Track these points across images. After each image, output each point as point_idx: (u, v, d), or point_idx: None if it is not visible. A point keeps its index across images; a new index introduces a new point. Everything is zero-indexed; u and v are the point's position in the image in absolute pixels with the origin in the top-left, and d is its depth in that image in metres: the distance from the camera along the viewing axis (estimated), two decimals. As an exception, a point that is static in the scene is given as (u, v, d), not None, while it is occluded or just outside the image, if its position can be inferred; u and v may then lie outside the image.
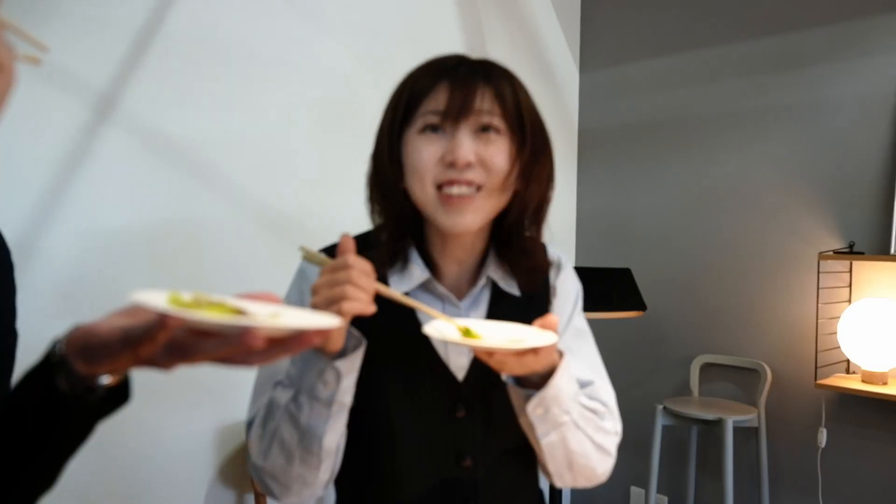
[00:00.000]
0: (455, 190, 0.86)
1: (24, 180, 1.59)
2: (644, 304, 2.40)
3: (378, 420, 0.93)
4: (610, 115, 3.03)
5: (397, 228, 0.93)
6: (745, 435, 2.55)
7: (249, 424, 0.91)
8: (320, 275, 0.77)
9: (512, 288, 0.98)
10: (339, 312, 0.74)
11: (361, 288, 0.75)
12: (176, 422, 1.86)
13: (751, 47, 2.59)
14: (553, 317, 0.82)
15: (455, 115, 0.86)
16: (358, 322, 0.82)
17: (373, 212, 0.96)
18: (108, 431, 1.74)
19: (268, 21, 2.00)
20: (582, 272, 2.34)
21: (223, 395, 1.95)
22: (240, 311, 0.51)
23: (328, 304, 0.75)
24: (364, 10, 2.25)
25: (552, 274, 1.02)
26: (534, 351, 0.79)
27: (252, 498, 1.97)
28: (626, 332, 2.88)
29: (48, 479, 0.60)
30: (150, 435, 1.81)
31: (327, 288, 0.75)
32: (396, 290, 0.92)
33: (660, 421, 2.50)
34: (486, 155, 0.87)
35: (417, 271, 0.94)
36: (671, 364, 2.82)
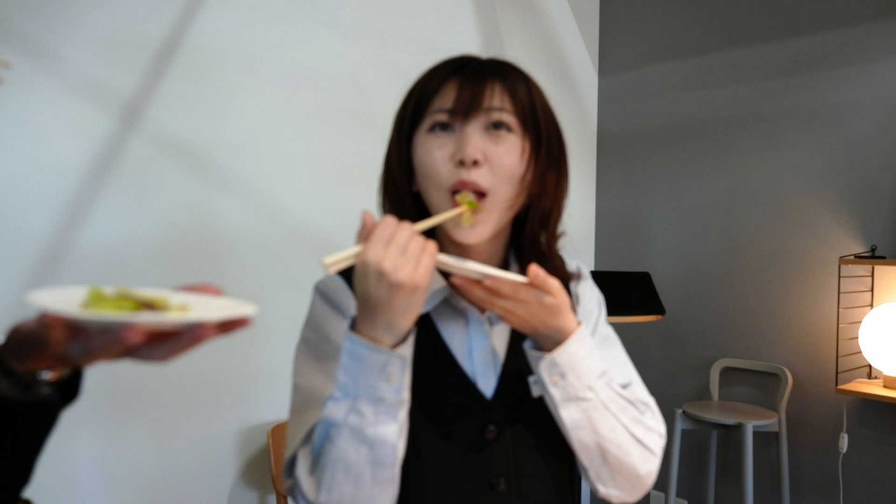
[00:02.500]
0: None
1: (52, 188, 1.63)
2: (663, 308, 2.40)
3: (407, 444, 0.84)
4: (629, 119, 3.02)
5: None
6: (766, 440, 2.53)
7: (291, 465, 0.82)
8: (368, 250, 0.71)
9: None
10: (431, 262, 0.72)
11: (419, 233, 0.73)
12: (199, 424, 1.90)
13: (771, 49, 2.58)
14: (538, 268, 0.79)
15: (464, 110, 0.82)
16: None
17: (384, 203, 0.93)
18: (135, 433, 1.79)
19: (286, 30, 2.04)
20: (600, 276, 2.37)
21: (246, 398, 1.99)
22: (148, 305, 0.49)
23: (413, 262, 0.71)
24: (381, 16, 2.27)
25: (573, 283, 0.98)
26: (496, 290, 0.77)
27: (274, 499, 2.00)
28: (645, 335, 2.88)
29: (21, 475, 0.60)
30: (174, 436, 1.85)
31: (398, 253, 0.71)
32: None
33: (679, 425, 2.49)
34: (494, 154, 0.83)
35: (438, 287, 0.89)
36: (691, 368, 2.81)
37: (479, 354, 0.90)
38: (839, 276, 2.32)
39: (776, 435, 2.47)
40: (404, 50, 2.31)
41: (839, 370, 2.30)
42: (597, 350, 0.87)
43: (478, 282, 0.79)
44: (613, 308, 2.33)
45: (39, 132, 1.60)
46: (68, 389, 0.59)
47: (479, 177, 0.82)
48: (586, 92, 3.09)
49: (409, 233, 0.72)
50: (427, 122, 0.85)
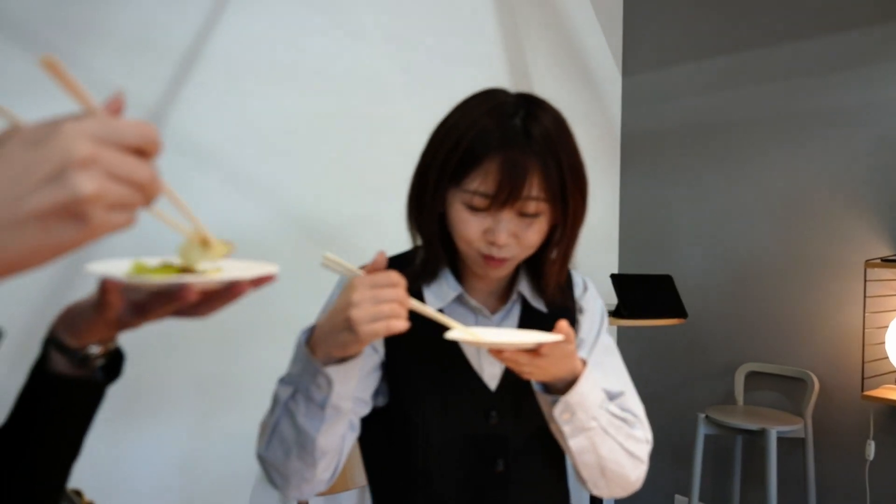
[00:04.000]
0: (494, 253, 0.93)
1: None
2: (685, 312, 2.38)
3: (412, 425, 0.98)
4: (653, 120, 3.00)
5: (433, 251, 0.99)
6: (791, 446, 2.49)
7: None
8: (357, 287, 0.78)
9: (539, 304, 1.05)
10: (388, 330, 0.77)
11: (405, 306, 0.78)
12: (223, 423, 1.94)
13: (798, 48, 2.54)
14: (565, 323, 0.85)
15: (502, 202, 0.89)
16: (393, 339, 0.88)
17: (411, 228, 1.01)
18: (161, 431, 1.83)
19: (306, 36, 2.06)
20: (622, 279, 2.36)
21: (267, 398, 2.02)
22: (185, 270, 0.56)
23: (373, 320, 0.76)
24: (400, 21, 2.29)
25: (577, 293, 1.09)
26: (538, 351, 0.83)
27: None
28: (667, 339, 2.85)
29: (73, 449, 0.64)
30: (198, 434, 1.89)
31: (372, 304, 0.77)
32: (431, 304, 0.99)
33: (702, 430, 2.47)
34: (523, 235, 0.92)
35: (450, 286, 1.01)
36: (714, 372, 2.77)
37: (485, 351, 0.99)
38: (865, 280, 2.27)
39: (802, 441, 2.43)
40: (423, 54, 2.33)
41: (865, 376, 2.26)
42: (596, 370, 0.98)
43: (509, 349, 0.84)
44: (635, 311, 2.33)
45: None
46: (113, 368, 0.64)
47: (507, 252, 0.93)
48: (609, 92, 3.07)
49: (394, 294, 0.78)
50: (465, 196, 0.91)
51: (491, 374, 1.00)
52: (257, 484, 2.02)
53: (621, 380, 1.05)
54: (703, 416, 2.47)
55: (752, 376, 2.66)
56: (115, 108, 0.42)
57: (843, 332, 2.41)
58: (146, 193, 0.41)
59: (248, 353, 1.98)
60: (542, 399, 0.93)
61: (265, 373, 2.08)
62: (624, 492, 0.99)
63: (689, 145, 2.86)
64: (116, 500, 1.76)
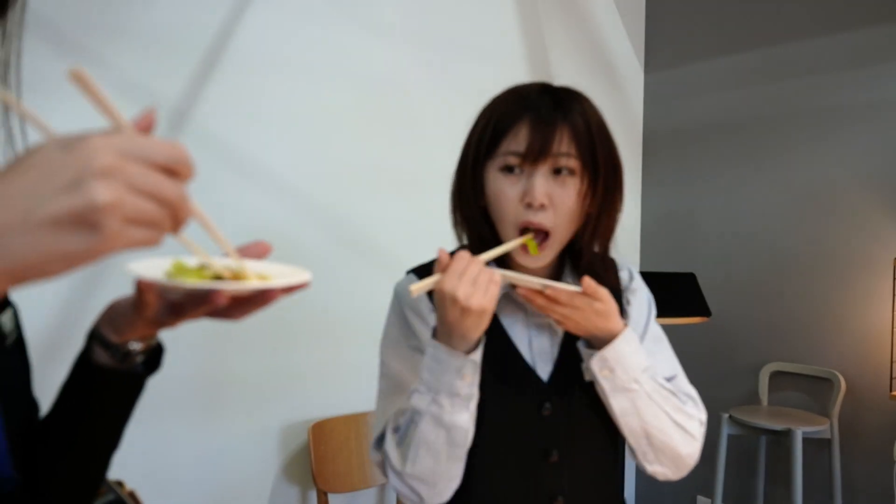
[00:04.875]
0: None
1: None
2: (708, 310, 2.35)
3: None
4: (676, 116, 2.96)
5: (477, 245, 1.01)
6: (817, 447, 2.45)
7: (379, 440, 0.99)
8: (449, 279, 0.85)
9: None
10: (493, 300, 0.86)
11: (493, 279, 0.87)
12: (244, 420, 1.95)
13: (824, 42, 2.49)
14: (590, 279, 0.92)
15: (534, 158, 0.93)
16: None
17: (456, 224, 1.05)
18: (181, 429, 1.84)
19: (328, 34, 2.07)
20: (644, 277, 2.32)
21: (289, 397, 2.03)
22: (220, 276, 0.55)
23: (483, 294, 0.85)
24: (422, 18, 2.29)
25: (624, 283, 1.10)
26: (558, 299, 0.90)
27: (314, 495, 2.03)
28: (690, 338, 2.81)
29: (114, 439, 0.67)
30: (219, 432, 1.90)
31: (471, 284, 0.85)
32: None
33: (725, 430, 2.44)
34: (558, 197, 0.95)
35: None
36: (739, 372, 2.74)
37: (537, 342, 1.03)
38: (894, 277, 2.23)
39: (828, 442, 2.39)
40: (445, 51, 2.32)
41: (894, 375, 2.21)
42: (643, 348, 0.99)
43: (539, 292, 0.92)
44: (658, 309, 2.29)
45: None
46: (153, 361, 0.67)
47: (544, 218, 0.95)
48: (631, 89, 3.04)
49: (478, 267, 0.87)
50: (499, 161, 0.96)
51: (544, 366, 1.02)
52: (276, 482, 2.02)
53: (673, 366, 1.07)
54: (726, 416, 2.44)
55: (776, 376, 2.62)
56: (146, 124, 0.42)
57: (871, 330, 2.36)
58: (173, 213, 0.40)
59: (284, 353, 2.00)
60: (583, 353, 0.97)
61: (286, 374, 2.10)
62: (675, 467, 0.99)
63: (712, 142, 2.83)
64: (158, 493, 1.78)
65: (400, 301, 1.06)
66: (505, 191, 0.95)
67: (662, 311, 2.24)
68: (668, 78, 3.00)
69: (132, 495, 0.78)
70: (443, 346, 0.90)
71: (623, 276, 1.10)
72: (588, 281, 0.91)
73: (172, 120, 1.79)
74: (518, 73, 2.52)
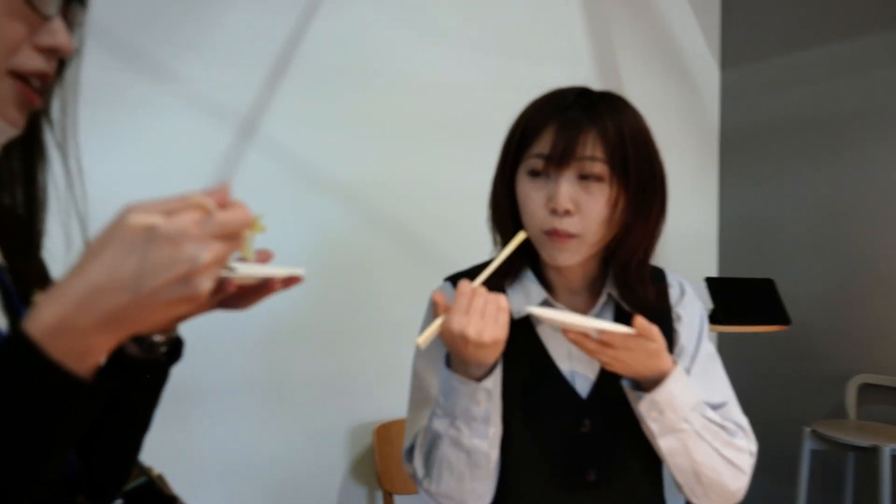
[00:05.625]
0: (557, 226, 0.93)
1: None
2: (787, 318, 2.23)
3: (504, 437, 0.97)
4: (755, 114, 2.83)
5: (513, 255, 0.98)
6: (911, 465, 2.29)
7: (409, 452, 0.99)
8: (456, 314, 0.83)
9: (631, 307, 1.02)
10: (503, 331, 0.84)
11: (502, 308, 0.85)
12: (312, 422, 2.00)
13: (918, 33, 2.33)
14: (643, 319, 0.85)
15: (557, 161, 0.90)
16: None
17: (494, 233, 1.03)
18: (255, 425, 1.91)
19: (393, 42, 2.09)
20: (718, 283, 2.24)
21: (354, 398, 2.07)
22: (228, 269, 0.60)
23: (490, 329, 0.83)
24: (483, 21, 2.28)
25: (673, 299, 1.04)
26: (609, 342, 0.83)
27: (380, 496, 2.06)
28: (768, 347, 2.69)
29: (144, 423, 0.72)
30: (289, 433, 1.96)
31: (480, 317, 0.83)
32: (517, 307, 0.99)
33: (808, 445, 2.31)
34: (585, 203, 0.91)
35: (535, 291, 1.01)
36: (822, 383, 2.58)
37: (577, 354, 0.99)
38: None
39: (923, 461, 2.22)
40: (509, 57, 2.30)
41: None
42: (693, 371, 0.97)
43: (586, 335, 0.87)
44: (733, 317, 2.20)
45: (165, 148, 1.75)
46: (175, 353, 0.71)
47: (569, 225, 0.91)
48: (706, 87, 2.93)
49: (482, 298, 0.84)
50: (526, 165, 0.95)
51: (583, 383, 0.99)
52: (344, 481, 2.07)
53: (724, 390, 1.02)
54: (808, 430, 2.31)
55: (866, 388, 2.46)
56: (222, 200, 0.49)
57: (973, 342, 2.19)
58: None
59: (349, 356, 2.04)
60: (630, 395, 0.92)
61: (352, 376, 2.14)
62: (723, 501, 0.96)
63: (794, 140, 2.69)
64: (229, 489, 1.85)
65: (435, 311, 1.05)
66: (531, 195, 0.94)
67: (738, 319, 2.16)
68: (746, 73, 2.87)
69: (161, 478, 0.82)
70: (455, 376, 0.88)
71: (672, 290, 1.05)
72: (641, 321, 0.86)
73: (241, 130, 1.85)
74: (583, 74, 2.48)
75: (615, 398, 0.96)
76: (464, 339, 0.83)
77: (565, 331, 0.85)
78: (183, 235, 0.45)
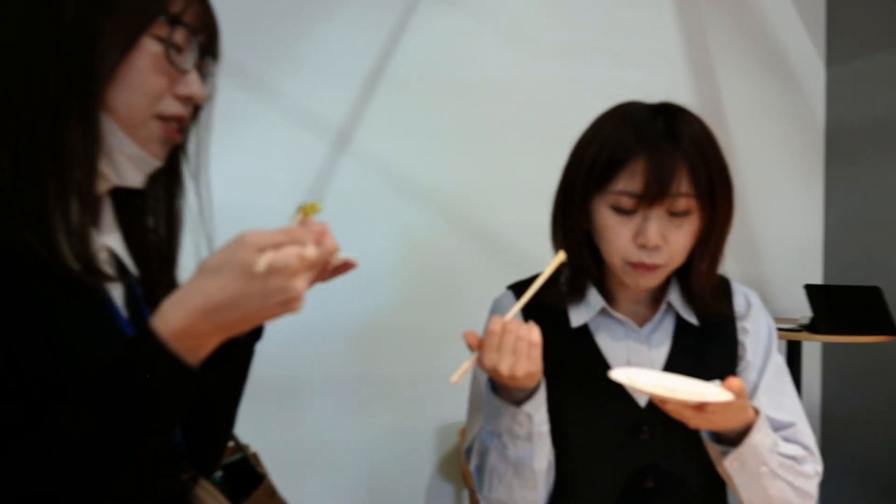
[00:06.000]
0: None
1: (277, 209, 1.90)
2: (895, 328, 2.10)
3: (560, 444, 0.99)
4: (863, 112, 2.68)
5: (580, 266, 1.00)
6: None
7: (468, 453, 1.04)
8: (489, 352, 0.85)
9: (692, 317, 1.01)
10: (529, 374, 0.86)
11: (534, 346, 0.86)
12: (401, 419, 2.08)
13: None
14: (738, 380, 0.84)
15: (650, 201, 0.90)
16: (543, 353, 0.91)
17: (555, 239, 1.04)
18: (342, 426, 2.01)
19: (479, 51, 2.14)
20: (820, 290, 2.15)
21: (442, 398, 2.13)
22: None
23: (515, 366, 0.85)
24: (572, 27, 2.28)
25: (739, 312, 1.04)
26: (704, 407, 0.82)
27: (467, 494, 2.11)
28: (878, 358, 2.53)
29: (238, 395, 0.80)
30: (379, 429, 2.05)
31: (511, 354, 0.85)
32: (576, 320, 1.00)
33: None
34: (671, 236, 0.92)
35: (594, 300, 1.01)
36: (939, 398, 2.41)
37: (636, 363, 1.00)
38: None
39: None
40: (599, 62, 2.29)
41: None
42: (761, 396, 0.97)
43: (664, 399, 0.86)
44: (833, 326, 2.10)
45: (266, 159, 1.88)
46: (256, 333, 0.80)
47: (657, 258, 0.92)
48: (810, 84, 2.79)
49: (513, 335, 0.85)
50: (611, 199, 0.93)
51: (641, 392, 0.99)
52: (432, 479, 2.13)
53: (793, 408, 1.02)
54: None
55: None
56: (320, 238, 0.61)
57: None
58: None
59: (437, 357, 2.11)
60: (711, 448, 0.92)
61: (441, 376, 2.19)
62: None
63: (907, 139, 2.52)
64: (320, 483, 1.97)
65: (491, 315, 1.08)
66: (616, 228, 0.93)
67: (839, 329, 2.06)
68: (853, 70, 2.71)
69: (255, 456, 0.91)
70: (497, 399, 0.92)
71: (738, 303, 1.04)
72: (736, 383, 0.84)
73: (337, 141, 1.96)
74: (677, 77, 2.43)
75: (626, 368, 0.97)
76: (496, 374, 0.86)
77: (662, 402, 0.84)
78: (289, 270, 0.55)
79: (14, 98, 0.63)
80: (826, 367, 2.66)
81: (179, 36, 0.68)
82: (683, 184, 0.90)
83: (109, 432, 0.57)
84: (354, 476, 2.02)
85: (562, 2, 2.27)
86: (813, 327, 2.10)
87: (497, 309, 1.09)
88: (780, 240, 2.64)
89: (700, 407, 0.82)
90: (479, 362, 0.86)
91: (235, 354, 0.75)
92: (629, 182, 0.90)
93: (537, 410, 0.91)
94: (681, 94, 2.43)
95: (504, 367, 0.84)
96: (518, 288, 1.07)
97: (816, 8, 2.81)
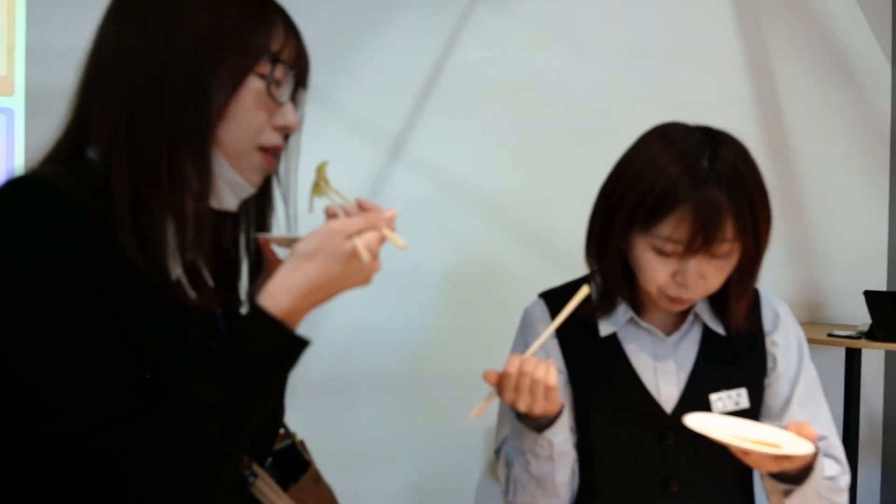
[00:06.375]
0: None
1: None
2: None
3: (586, 449, 1.03)
4: (932, 113, 2.59)
5: (613, 286, 1.03)
6: None
7: (498, 454, 1.09)
8: (506, 392, 0.89)
9: (718, 327, 1.03)
10: (546, 411, 0.90)
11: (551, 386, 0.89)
12: (452, 418, 2.13)
13: None
14: (809, 426, 0.86)
15: (696, 249, 0.91)
16: (571, 362, 0.97)
17: (590, 261, 1.06)
18: (400, 421, 2.08)
19: (533, 57, 2.17)
20: (879, 297, 2.10)
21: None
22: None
23: (529, 406, 0.89)
24: (627, 32, 2.28)
25: (768, 325, 1.05)
26: (786, 457, 0.84)
27: (516, 495, 2.15)
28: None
29: (284, 385, 0.83)
30: (431, 427, 2.11)
31: (528, 393, 0.89)
32: (605, 329, 1.03)
33: None
34: (710, 276, 0.94)
35: (622, 310, 1.04)
36: None
37: (663, 370, 1.03)
38: None
39: None
40: (652, 64, 2.29)
41: None
42: (795, 407, 1.00)
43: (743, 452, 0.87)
44: (891, 334, 2.03)
45: (329, 167, 1.96)
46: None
47: (694, 294, 0.95)
48: (875, 86, 2.70)
49: (529, 378, 0.87)
50: (654, 241, 0.93)
51: (668, 396, 1.02)
52: (483, 477, 2.18)
53: (825, 420, 1.04)
54: None
55: None
56: (389, 223, 0.72)
57: None
58: None
59: (487, 358, 2.15)
60: (771, 484, 0.93)
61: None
62: None
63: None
64: (372, 480, 2.05)
65: (526, 327, 1.11)
66: (656, 266, 0.94)
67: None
68: (922, 70, 2.63)
69: (302, 444, 0.97)
70: (520, 424, 0.96)
71: (766, 315, 1.05)
72: (809, 431, 0.86)
73: (391, 149, 2.04)
74: (733, 79, 2.40)
75: (702, 412, 0.97)
76: (515, 409, 0.91)
77: (745, 454, 0.86)
78: (372, 252, 0.67)
79: (135, 131, 0.68)
80: (889, 375, 2.58)
81: (279, 72, 0.74)
82: (728, 230, 0.90)
83: (233, 401, 0.64)
84: (404, 475, 2.09)
85: (614, 5, 2.27)
86: (871, 334, 2.06)
87: (527, 319, 1.12)
88: (842, 245, 2.57)
89: (780, 457, 0.84)
90: (499, 396, 0.91)
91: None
92: (675, 230, 0.90)
93: (558, 435, 0.95)
94: (737, 96, 2.41)
95: (521, 406, 0.88)
96: (548, 296, 1.11)
97: (883, 7, 2.73)
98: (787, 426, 0.88)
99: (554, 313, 0.99)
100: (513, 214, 2.17)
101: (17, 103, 1.52)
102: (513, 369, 0.88)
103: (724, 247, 0.91)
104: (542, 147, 2.20)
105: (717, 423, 0.88)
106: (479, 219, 2.14)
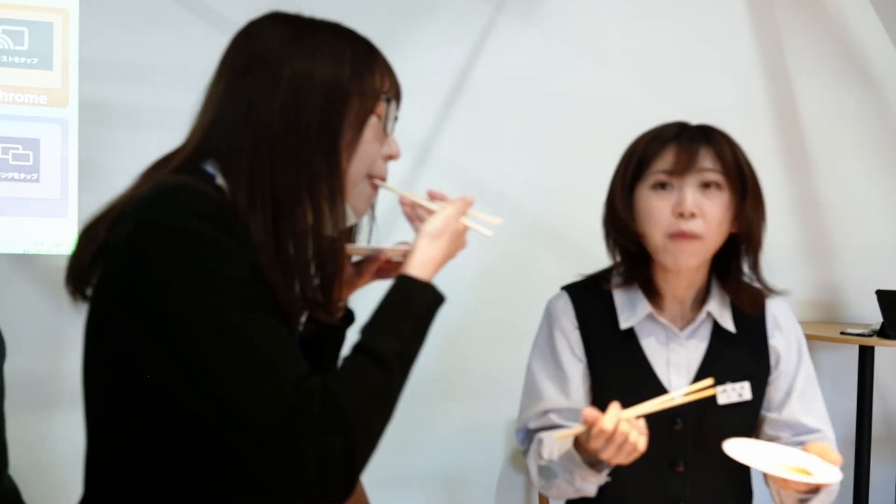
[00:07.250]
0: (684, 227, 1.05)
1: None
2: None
3: None
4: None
5: (630, 264, 1.14)
6: None
7: (523, 438, 1.20)
8: (594, 441, 0.96)
9: (728, 324, 1.13)
10: (619, 463, 0.98)
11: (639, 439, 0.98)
12: (474, 414, 2.21)
13: None
14: (831, 450, 0.99)
15: (681, 171, 1.06)
16: (592, 352, 1.07)
17: (609, 246, 1.19)
18: (423, 416, 2.15)
19: (554, 63, 2.23)
20: (891, 296, 2.13)
21: (515, 393, 2.23)
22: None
23: (611, 458, 0.97)
24: (644, 37, 2.33)
25: (771, 323, 1.15)
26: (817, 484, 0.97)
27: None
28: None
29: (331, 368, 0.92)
30: (453, 423, 2.19)
31: (616, 449, 0.96)
32: (625, 322, 1.13)
33: None
34: (706, 207, 1.06)
35: (641, 304, 1.14)
36: None
37: (675, 363, 1.13)
38: None
39: None
40: (669, 72, 2.34)
41: None
42: (794, 402, 1.11)
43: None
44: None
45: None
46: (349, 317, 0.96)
47: (695, 226, 1.06)
48: (892, 87, 2.73)
49: (623, 435, 0.95)
50: (650, 180, 1.10)
51: (678, 386, 1.11)
52: (504, 470, 2.25)
53: (821, 415, 1.14)
54: None
55: None
56: (470, 203, 0.89)
57: None
58: None
59: (508, 354, 2.22)
60: (789, 497, 1.04)
61: (511, 372, 2.28)
62: None
63: None
64: (393, 473, 2.11)
65: (550, 319, 1.20)
66: (656, 205, 1.07)
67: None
68: (937, 72, 2.65)
69: None
70: (578, 457, 1.02)
71: (770, 316, 1.15)
72: (836, 458, 0.97)
73: (419, 154, 2.12)
74: (750, 84, 2.45)
75: (706, 401, 1.07)
76: (597, 455, 0.97)
77: (784, 483, 0.98)
78: (467, 227, 0.85)
79: (275, 173, 0.75)
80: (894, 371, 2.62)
81: (391, 108, 0.86)
82: (709, 160, 1.05)
83: (405, 348, 0.78)
84: (428, 467, 2.16)
85: (633, 12, 2.33)
86: (883, 332, 2.11)
87: (551, 310, 1.22)
88: (858, 246, 2.61)
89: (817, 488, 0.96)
90: (586, 438, 0.98)
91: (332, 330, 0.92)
92: (663, 162, 1.08)
93: (607, 474, 1.05)
94: (755, 101, 2.46)
95: (605, 456, 0.96)
96: (571, 289, 1.22)
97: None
98: (807, 447, 0.99)
99: (577, 306, 1.14)
100: (536, 215, 2.24)
101: (71, 114, 1.60)
102: (610, 426, 0.94)
103: (709, 175, 1.05)
104: (564, 150, 2.25)
105: (753, 448, 0.99)
106: (504, 219, 2.20)
